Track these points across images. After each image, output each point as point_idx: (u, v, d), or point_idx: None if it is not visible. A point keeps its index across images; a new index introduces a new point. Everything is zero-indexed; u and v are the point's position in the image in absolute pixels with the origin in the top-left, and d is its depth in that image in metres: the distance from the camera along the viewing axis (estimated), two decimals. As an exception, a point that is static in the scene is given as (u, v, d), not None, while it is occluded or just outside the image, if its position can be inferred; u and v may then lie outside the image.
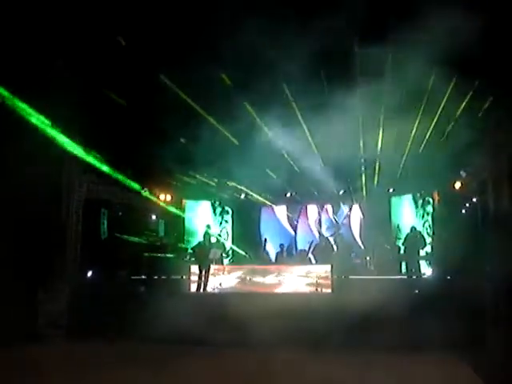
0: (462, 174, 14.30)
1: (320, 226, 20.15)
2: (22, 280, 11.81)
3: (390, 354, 9.77)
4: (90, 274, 14.76)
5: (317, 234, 19.56)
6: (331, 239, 19.01)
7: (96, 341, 11.46)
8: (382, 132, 12.90)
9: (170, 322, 10.99)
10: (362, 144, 13.78)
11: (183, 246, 17.58)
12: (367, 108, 11.45)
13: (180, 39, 9.40)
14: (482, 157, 11.23)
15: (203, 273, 14.84)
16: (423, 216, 17.81)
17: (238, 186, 18.11)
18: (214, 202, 20.31)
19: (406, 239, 15.44)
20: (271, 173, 16.23)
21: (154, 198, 17.20)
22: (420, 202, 18.13)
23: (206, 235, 15.89)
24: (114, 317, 12.14)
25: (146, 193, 16.60)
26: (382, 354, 9.73)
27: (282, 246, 18.37)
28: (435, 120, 12.17)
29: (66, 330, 12.51)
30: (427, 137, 13.20)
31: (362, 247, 18.51)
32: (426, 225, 17.33)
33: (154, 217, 18.02)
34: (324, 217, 20.29)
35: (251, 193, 18.62)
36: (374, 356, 9.61)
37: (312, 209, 20.57)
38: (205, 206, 20.18)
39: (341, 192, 18.88)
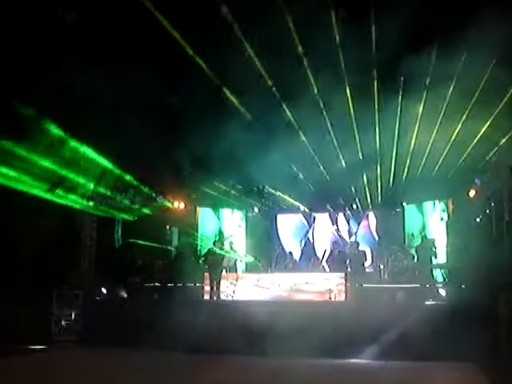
0: (477, 182, 14.22)
1: (335, 235, 20.16)
2: (37, 287, 11.93)
3: (403, 361, 9.79)
4: (103, 281, 14.78)
5: (330, 243, 19.50)
6: (344, 248, 18.98)
7: (109, 348, 11.54)
8: (397, 140, 12.84)
9: (182, 330, 11.06)
10: (378, 150, 13.72)
11: (196, 253, 17.56)
12: (384, 117, 11.41)
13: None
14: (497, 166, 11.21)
15: (215, 281, 14.83)
16: (436, 224, 17.73)
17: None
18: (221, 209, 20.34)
19: (417, 248, 15.38)
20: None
21: (168, 205, 17.26)
22: (434, 210, 18.07)
23: (219, 242, 15.90)
24: (128, 324, 12.18)
25: (160, 200, 16.67)
26: (396, 363, 9.73)
27: (291, 253, 18.38)
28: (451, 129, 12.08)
29: (80, 337, 12.61)
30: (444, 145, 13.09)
31: (376, 255, 18.42)
32: (440, 233, 17.22)
33: (168, 224, 18.03)
34: (338, 226, 20.33)
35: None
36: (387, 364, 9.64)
37: (327, 218, 20.58)
38: (218, 213, 20.20)
39: (353, 206, 18.98)
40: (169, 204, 17.31)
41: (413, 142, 12.83)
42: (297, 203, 19.29)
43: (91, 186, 13.76)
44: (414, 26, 7.85)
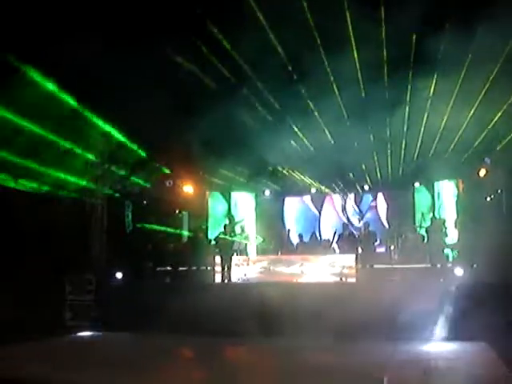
0: (487, 160, 14.17)
1: (345, 216, 20.22)
2: (50, 273, 12.01)
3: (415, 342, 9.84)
4: (115, 265, 14.86)
5: (340, 224, 19.52)
6: (355, 229, 19.02)
7: (124, 332, 11.67)
8: (408, 120, 12.75)
9: (194, 313, 11.15)
10: (388, 132, 13.64)
11: (207, 237, 17.61)
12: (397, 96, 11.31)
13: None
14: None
15: (226, 264, 14.91)
16: (447, 204, 17.70)
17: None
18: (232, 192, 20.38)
19: (428, 228, 15.38)
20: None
21: (178, 190, 17.30)
22: (444, 190, 18.03)
23: (230, 226, 15.96)
24: (141, 309, 12.26)
25: (170, 184, 16.71)
26: (408, 343, 9.79)
27: (301, 235, 18.46)
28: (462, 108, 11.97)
29: (93, 322, 12.72)
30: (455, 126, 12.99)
31: (387, 236, 18.41)
32: (450, 213, 17.19)
33: (178, 208, 18.05)
34: (348, 207, 20.39)
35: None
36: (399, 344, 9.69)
37: (336, 199, 20.62)
38: (229, 196, 20.22)
39: (365, 186, 18.96)
40: (178, 188, 17.34)
41: (424, 121, 12.72)
42: (308, 185, 19.24)
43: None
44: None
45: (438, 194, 18.22)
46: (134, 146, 13.90)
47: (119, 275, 14.19)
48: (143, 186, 16.37)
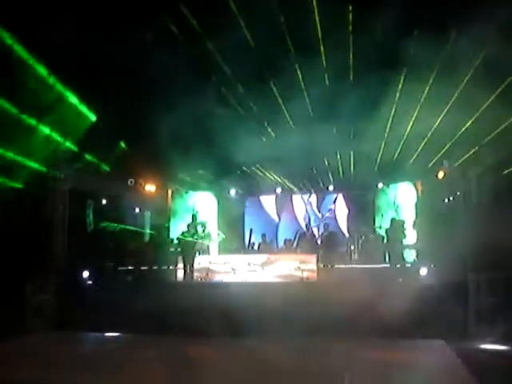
0: (445, 163, 14.51)
1: (307, 216, 20.42)
2: (10, 272, 11.78)
3: (375, 339, 10.02)
4: (76, 265, 14.67)
5: (303, 224, 19.72)
6: (316, 230, 19.25)
7: (84, 332, 11.56)
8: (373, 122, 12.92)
9: (153, 312, 11.14)
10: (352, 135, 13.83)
11: (169, 236, 17.56)
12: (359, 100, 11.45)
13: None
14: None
15: (188, 264, 14.91)
16: (406, 205, 18.06)
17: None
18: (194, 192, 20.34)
19: (387, 229, 15.67)
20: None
21: (140, 189, 17.19)
22: (402, 191, 18.40)
23: (192, 225, 15.95)
24: (102, 307, 12.17)
25: (131, 183, 16.59)
26: (368, 340, 9.96)
27: (263, 235, 18.56)
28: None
29: (53, 322, 12.54)
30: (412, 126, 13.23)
31: (347, 236, 18.70)
32: (409, 214, 17.54)
33: (139, 208, 17.92)
34: (309, 208, 20.58)
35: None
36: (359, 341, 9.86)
37: (299, 199, 20.81)
38: (191, 196, 20.17)
39: (329, 187, 19.16)
40: (140, 187, 17.24)
41: (388, 125, 12.92)
42: (272, 184, 19.33)
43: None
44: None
45: (396, 195, 18.59)
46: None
47: (80, 275, 14.02)
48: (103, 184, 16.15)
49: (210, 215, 20.09)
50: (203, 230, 17.02)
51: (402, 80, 10.57)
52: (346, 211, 20.21)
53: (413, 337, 10.14)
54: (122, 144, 14.33)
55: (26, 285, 12.55)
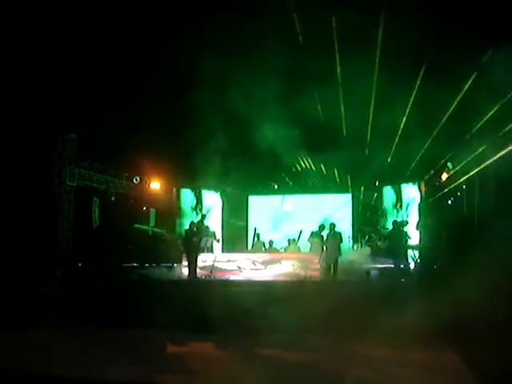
0: (449, 165, 14.54)
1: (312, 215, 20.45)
2: (16, 265, 11.91)
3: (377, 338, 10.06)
4: (81, 260, 14.81)
5: (305, 224, 19.76)
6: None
7: (88, 326, 11.66)
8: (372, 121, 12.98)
9: (157, 309, 11.22)
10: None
11: (174, 234, 17.65)
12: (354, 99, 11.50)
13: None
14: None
15: (192, 261, 14.98)
16: (409, 206, 18.11)
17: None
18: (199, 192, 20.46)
19: (390, 230, 15.69)
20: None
21: (145, 187, 17.30)
22: (407, 192, 18.44)
23: (197, 223, 16.03)
24: (106, 303, 12.27)
25: (137, 181, 16.69)
26: (371, 338, 10.00)
27: (267, 234, 18.65)
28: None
29: (58, 315, 12.64)
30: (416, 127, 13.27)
31: (351, 237, 18.74)
32: (413, 215, 17.58)
33: (145, 205, 18.02)
34: (315, 207, 20.63)
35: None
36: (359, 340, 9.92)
37: (303, 198, 20.86)
38: (197, 194, 20.24)
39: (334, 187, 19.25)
40: (146, 185, 17.36)
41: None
42: (276, 183, 19.39)
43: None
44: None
45: (401, 196, 18.62)
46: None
47: (84, 270, 14.14)
48: (110, 182, 16.31)
49: (215, 214, 20.20)
50: (207, 229, 17.09)
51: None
52: (351, 211, 20.25)
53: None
54: None
55: (32, 276, 12.70)
